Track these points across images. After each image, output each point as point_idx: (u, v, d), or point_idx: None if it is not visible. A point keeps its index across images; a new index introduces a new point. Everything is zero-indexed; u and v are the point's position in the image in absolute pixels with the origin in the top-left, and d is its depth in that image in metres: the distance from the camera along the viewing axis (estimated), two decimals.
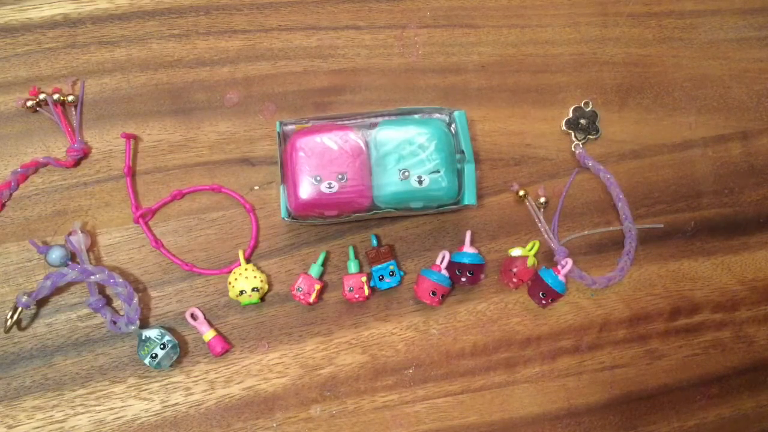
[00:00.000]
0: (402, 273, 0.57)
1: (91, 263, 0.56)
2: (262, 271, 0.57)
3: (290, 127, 0.55)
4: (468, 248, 0.57)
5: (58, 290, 0.55)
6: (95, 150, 0.57)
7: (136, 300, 0.53)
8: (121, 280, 0.53)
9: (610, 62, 0.63)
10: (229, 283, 0.56)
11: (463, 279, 0.57)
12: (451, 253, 0.57)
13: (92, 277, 0.53)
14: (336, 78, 0.60)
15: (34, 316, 0.55)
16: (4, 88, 0.57)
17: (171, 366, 0.54)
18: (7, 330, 0.53)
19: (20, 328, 0.55)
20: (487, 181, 0.60)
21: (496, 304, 0.59)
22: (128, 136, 0.57)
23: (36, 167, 0.56)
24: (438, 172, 0.53)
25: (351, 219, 0.56)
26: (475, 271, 0.57)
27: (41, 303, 0.55)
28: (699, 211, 0.62)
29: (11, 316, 0.53)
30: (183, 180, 0.58)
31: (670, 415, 0.60)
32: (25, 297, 0.52)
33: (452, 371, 0.58)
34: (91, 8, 0.58)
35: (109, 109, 0.58)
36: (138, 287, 0.56)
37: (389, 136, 0.53)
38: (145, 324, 0.56)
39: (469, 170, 0.54)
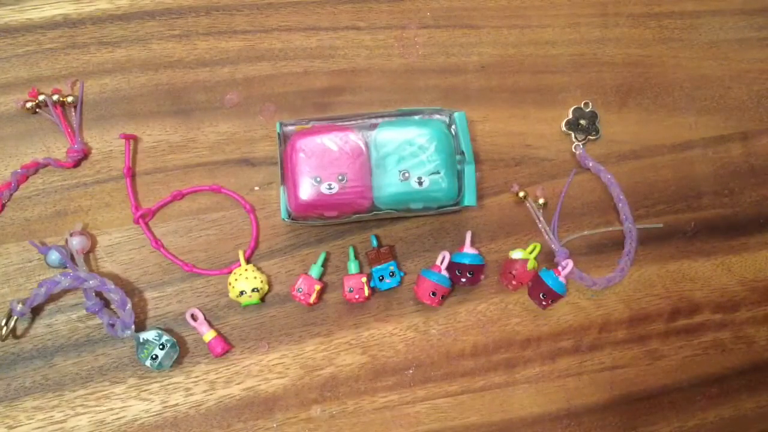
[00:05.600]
0: (402, 273, 0.57)
1: (90, 264, 0.56)
2: (263, 272, 0.57)
3: (290, 128, 0.55)
4: (468, 249, 0.57)
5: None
6: (95, 150, 0.57)
7: (129, 306, 0.53)
8: (113, 286, 0.53)
9: (610, 63, 0.63)
10: (230, 284, 0.56)
11: (463, 280, 0.57)
12: (451, 253, 0.57)
13: (85, 284, 0.53)
14: (336, 79, 0.60)
15: (34, 318, 0.55)
16: (4, 88, 0.57)
17: (172, 365, 0.54)
18: (4, 338, 0.53)
19: (15, 336, 0.55)
20: (487, 181, 0.60)
21: (496, 304, 0.59)
22: (128, 137, 0.57)
23: (36, 168, 0.56)
24: (438, 173, 0.53)
25: (351, 220, 0.56)
26: (475, 271, 0.57)
27: (40, 303, 0.55)
28: (699, 211, 0.62)
29: (6, 323, 0.53)
30: (183, 180, 0.58)
31: (670, 415, 0.60)
32: (20, 305, 0.52)
33: (452, 372, 0.58)
34: (92, 9, 0.58)
35: (109, 110, 0.58)
36: (137, 288, 0.56)
37: (389, 137, 0.53)
38: (144, 325, 0.56)
39: (469, 171, 0.54)
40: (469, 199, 0.54)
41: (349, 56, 0.60)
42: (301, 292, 0.56)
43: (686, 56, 0.63)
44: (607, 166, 0.61)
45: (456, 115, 0.55)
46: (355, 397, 0.57)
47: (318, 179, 0.52)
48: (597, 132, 0.61)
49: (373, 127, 0.54)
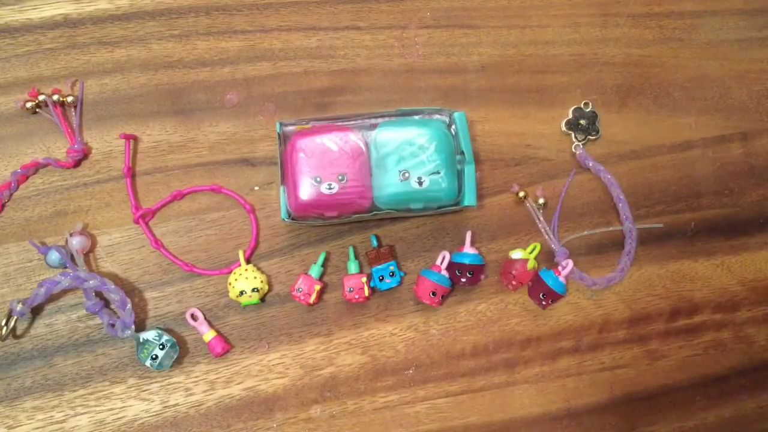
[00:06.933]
0: (402, 273, 0.57)
1: (90, 264, 0.56)
2: (263, 272, 0.57)
3: (290, 128, 0.55)
4: (468, 249, 0.57)
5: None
6: (95, 150, 0.57)
7: (129, 306, 0.53)
8: (113, 286, 0.53)
9: (610, 63, 0.63)
10: (229, 284, 0.56)
11: (463, 279, 0.57)
12: (451, 253, 0.57)
13: (85, 284, 0.53)
14: (336, 78, 0.60)
15: (34, 318, 0.55)
16: (4, 88, 0.57)
17: (172, 365, 0.54)
18: (4, 338, 0.53)
19: (15, 336, 0.55)
20: (487, 181, 0.60)
21: (496, 304, 0.59)
22: (128, 137, 0.57)
23: (36, 168, 0.56)
24: (438, 173, 0.53)
25: (351, 220, 0.56)
26: (475, 271, 0.57)
27: (40, 303, 0.55)
28: (699, 211, 0.62)
29: (6, 323, 0.52)
30: (183, 180, 0.58)
31: (670, 415, 0.60)
32: (20, 305, 0.52)
33: (452, 372, 0.58)
34: (92, 9, 0.58)
35: (109, 110, 0.58)
36: (137, 288, 0.56)
37: (389, 137, 0.53)
38: (144, 325, 0.56)
39: (469, 171, 0.54)
40: (469, 199, 0.54)
41: (349, 56, 0.60)
42: (301, 292, 0.56)
43: (686, 56, 0.63)
44: (607, 166, 0.61)
45: (456, 115, 0.55)
46: (355, 397, 0.57)
47: (318, 179, 0.52)
48: (597, 132, 0.61)
49: (373, 127, 0.55)
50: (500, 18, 0.62)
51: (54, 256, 0.54)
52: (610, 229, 0.60)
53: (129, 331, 0.53)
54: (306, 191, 0.52)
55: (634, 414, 0.60)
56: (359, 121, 0.55)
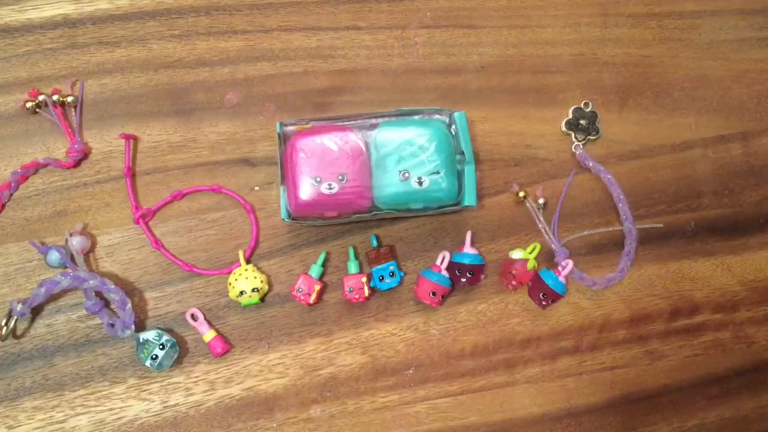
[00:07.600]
0: (402, 273, 0.57)
1: (90, 264, 0.56)
2: (263, 272, 0.57)
3: (290, 128, 0.55)
4: (468, 249, 0.57)
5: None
6: (95, 150, 0.57)
7: (129, 306, 0.53)
8: (113, 286, 0.53)
9: (610, 63, 0.63)
10: (229, 284, 0.56)
11: (463, 280, 0.57)
12: (451, 253, 0.57)
13: (85, 283, 0.53)
14: (336, 79, 0.60)
15: (34, 318, 0.55)
16: (4, 88, 0.57)
17: (172, 365, 0.54)
18: (4, 338, 0.53)
19: (15, 336, 0.55)
20: (487, 181, 0.60)
21: (496, 304, 0.59)
22: (128, 137, 0.57)
23: (36, 168, 0.56)
24: (438, 173, 0.53)
25: (351, 220, 0.56)
26: (475, 271, 0.57)
27: (40, 303, 0.55)
28: (699, 211, 0.62)
29: (6, 323, 0.52)
30: (183, 180, 0.58)
31: (670, 415, 0.60)
32: (20, 305, 0.52)
33: (452, 372, 0.58)
34: (92, 9, 0.58)
35: (109, 110, 0.58)
36: (137, 288, 0.56)
37: (389, 137, 0.53)
38: (144, 325, 0.56)
39: (469, 171, 0.54)
40: (469, 199, 0.54)
41: (349, 56, 0.60)
42: (301, 292, 0.56)
43: (686, 56, 0.64)
44: (607, 166, 0.61)
45: (456, 115, 0.55)
46: (355, 397, 0.57)
47: (318, 179, 0.52)
48: (597, 132, 0.61)
49: (373, 127, 0.55)
50: (500, 18, 0.62)
51: (54, 256, 0.54)
52: (610, 229, 0.60)
53: (129, 331, 0.53)
54: (306, 191, 0.52)
55: (634, 414, 0.60)
56: (359, 121, 0.55)
